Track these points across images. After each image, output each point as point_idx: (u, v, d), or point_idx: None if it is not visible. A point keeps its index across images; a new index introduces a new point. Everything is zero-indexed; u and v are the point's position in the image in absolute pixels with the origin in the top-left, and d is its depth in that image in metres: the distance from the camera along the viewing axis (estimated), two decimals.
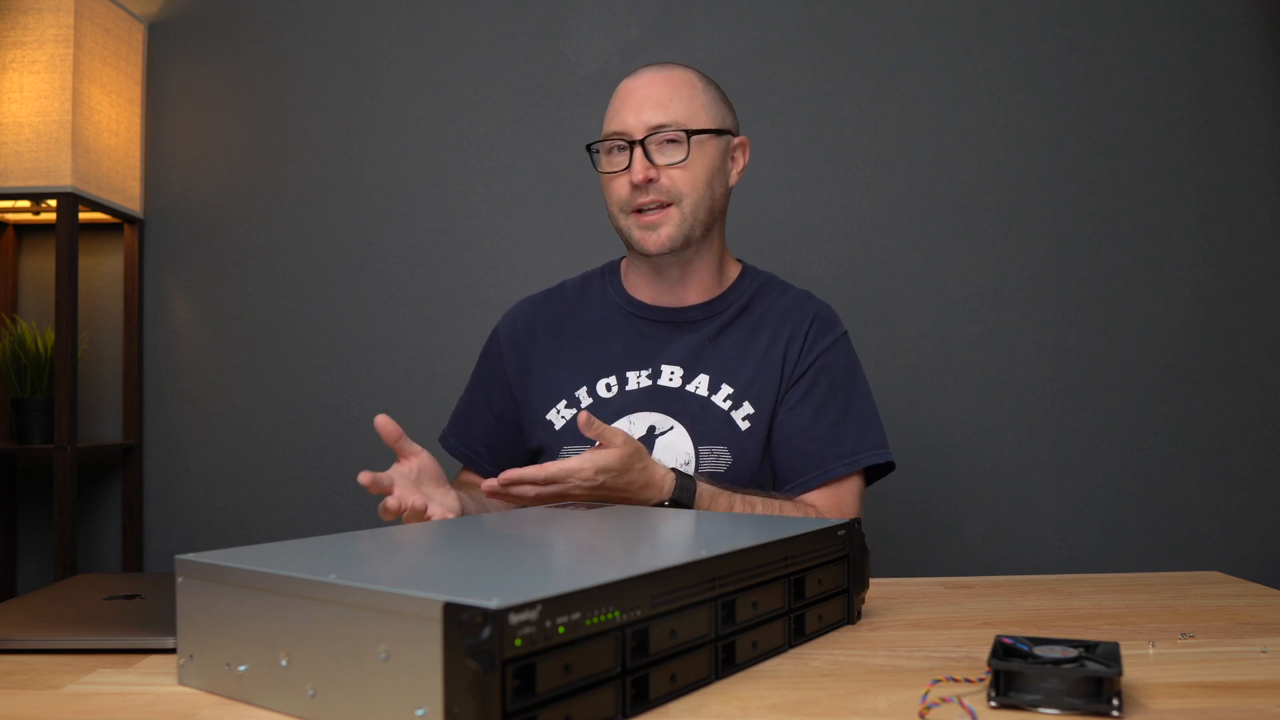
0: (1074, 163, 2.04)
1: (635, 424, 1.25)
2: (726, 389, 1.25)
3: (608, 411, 1.26)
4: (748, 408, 1.25)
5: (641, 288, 1.33)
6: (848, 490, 1.24)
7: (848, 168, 2.05)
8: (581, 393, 1.28)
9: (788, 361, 1.27)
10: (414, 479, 1.08)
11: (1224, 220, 2.04)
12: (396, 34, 2.09)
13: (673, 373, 1.27)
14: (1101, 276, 2.03)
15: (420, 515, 1.02)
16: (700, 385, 1.26)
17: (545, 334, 1.34)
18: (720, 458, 1.23)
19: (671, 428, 1.24)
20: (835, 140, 2.06)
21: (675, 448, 1.23)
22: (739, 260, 1.38)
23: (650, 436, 1.24)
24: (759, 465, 1.25)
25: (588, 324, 1.33)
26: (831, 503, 1.23)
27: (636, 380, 1.27)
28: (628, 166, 1.23)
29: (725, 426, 1.24)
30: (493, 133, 2.08)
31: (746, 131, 2.09)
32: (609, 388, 1.28)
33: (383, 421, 1.06)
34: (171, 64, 2.10)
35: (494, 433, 1.36)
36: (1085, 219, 2.04)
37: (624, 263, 1.38)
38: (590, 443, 1.23)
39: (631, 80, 1.28)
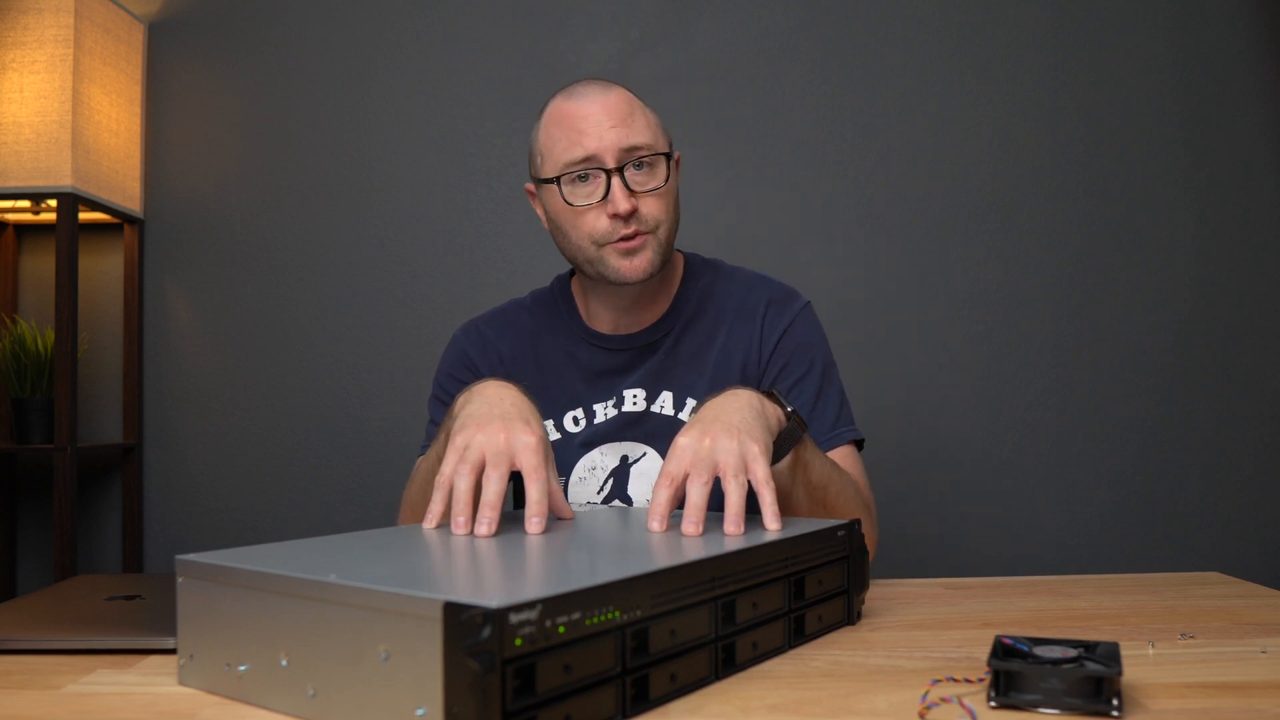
0: (1073, 163, 2.04)
1: (606, 454, 1.17)
2: (691, 403, 1.17)
3: (576, 445, 1.19)
4: None
5: (599, 316, 1.23)
6: (846, 455, 1.16)
7: (847, 167, 2.05)
8: (549, 425, 1.19)
9: (749, 358, 1.19)
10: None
11: (1223, 220, 2.04)
12: (396, 34, 2.09)
13: (635, 396, 1.19)
14: (1101, 277, 2.03)
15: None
16: (665, 404, 1.18)
17: (509, 359, 1.24)
18: None
19: (644, 454, 1.17)
20: (835, 140, 2.06)
21: (651, 474, 1.16)
22: (678, 250, 1.26)
23: (624, 466, 1.17)
24: None
25: (550, 355, 1.24)
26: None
27: (604, 411, 1.20)
28: (603, 198, 1.11)
29: None
30: (493, 133, 2.08)
31: (747, 132, 2.12)
32: (576, 421, 1.20)
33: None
34: (171, 64, 2.10)
35: None
36: (1084, 219, 2.04)
37: (574, 285, 1.29)
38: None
39: (574, 103, 1.15)
